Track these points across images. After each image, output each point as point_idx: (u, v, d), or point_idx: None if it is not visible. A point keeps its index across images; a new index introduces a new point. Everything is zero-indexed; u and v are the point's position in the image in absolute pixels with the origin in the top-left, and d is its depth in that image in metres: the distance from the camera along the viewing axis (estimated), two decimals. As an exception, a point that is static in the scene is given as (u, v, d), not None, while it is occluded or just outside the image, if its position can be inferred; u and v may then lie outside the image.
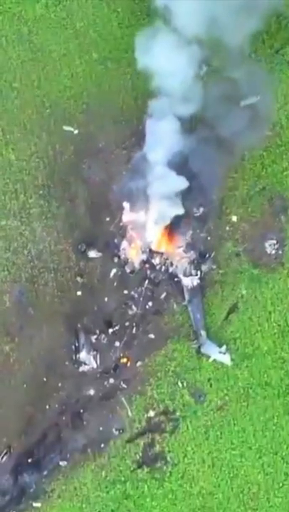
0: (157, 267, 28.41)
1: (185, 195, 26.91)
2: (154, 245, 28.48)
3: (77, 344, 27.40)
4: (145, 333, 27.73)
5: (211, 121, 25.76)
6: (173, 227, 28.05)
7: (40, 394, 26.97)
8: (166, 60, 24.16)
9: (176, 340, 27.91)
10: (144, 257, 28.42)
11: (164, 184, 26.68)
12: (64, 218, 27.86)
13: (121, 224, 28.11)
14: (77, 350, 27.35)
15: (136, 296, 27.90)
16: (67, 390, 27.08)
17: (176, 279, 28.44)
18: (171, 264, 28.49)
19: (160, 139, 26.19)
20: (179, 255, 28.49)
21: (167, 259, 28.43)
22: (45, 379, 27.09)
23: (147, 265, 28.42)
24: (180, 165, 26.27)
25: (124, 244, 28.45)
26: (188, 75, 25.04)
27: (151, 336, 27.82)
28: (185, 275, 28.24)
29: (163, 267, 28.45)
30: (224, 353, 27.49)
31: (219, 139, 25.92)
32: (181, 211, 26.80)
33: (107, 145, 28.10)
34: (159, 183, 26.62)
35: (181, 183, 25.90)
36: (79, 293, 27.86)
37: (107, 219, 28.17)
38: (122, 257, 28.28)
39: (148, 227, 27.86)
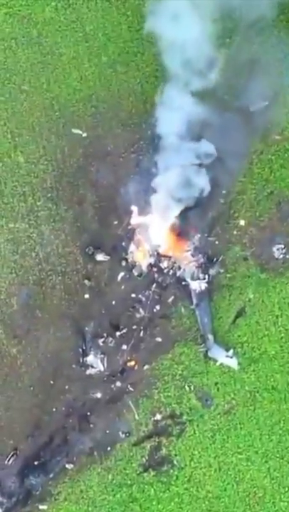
0: (165, 271, 28.07)
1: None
2: (161, 249, 28.16)
3: (84, 347, 27.03)
4: (152, 337, 27.52)
5: (229, 92, 25.78)
6: (181, 231, 27.95)
7: (47, 396, 26.77)
8: (182, 28, 23.88)
9: (183, 343, 27.71)
10: (151, 260, 28.07)
11: (178, 155, 26.43)
12: (72, 221, 27.67)
13: (129, 227, 27.86)
14: (85, 353, 27.06)
15: (143, 299, 27.64)
16: (74, 392, 26.84)
17: (183, 283, 28.16)
18: (179, 268, 28.17)
19: (172, 108, 25.87)
20: (186, 259, 28.21)
21: (175, 262, 28.12)
22: (52, 382, 26.82)
23: (155, 269, 28.09)
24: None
25: (132, 247, 28.14)
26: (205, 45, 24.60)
27: (159, 339, 27.53)
28: (193, 279, 28.05)
29: (171, 271, 28.13)
30: (231, 357, 27.29)
31: (239, 109, 25.88)
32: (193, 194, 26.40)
33: (115, 148, 27.86)
34: (171, 155, 26.33)
35: (206, 146, 25.47)
36: (86, 296, 27.52)
37: (115, 222, 27.94)
38: (130, 260, 28.00)
39: (154, 229, 27.69)
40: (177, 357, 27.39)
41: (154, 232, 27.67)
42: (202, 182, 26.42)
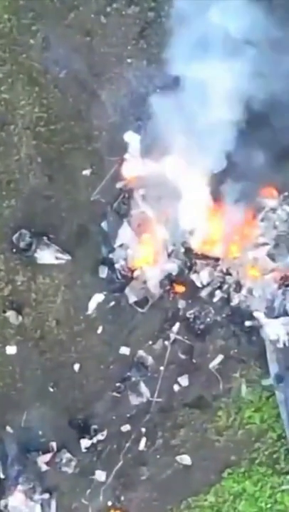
0: (204, 293, 16.84)
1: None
2: (197, 239, 17.03)
3: (1, 475, 16.24)
4: (169, 453, 16.41)
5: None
6: (245, 193, 16.96)
7: None
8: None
9: (244, 471, 16.23)
10: (171, 267, 16.93)
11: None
12: None
13: (118, 186, 17.05)
14: (2, 490, 16.30)
15: (149, 361, 16.55)
16: None
17: (247, 324, 16.86)
18: (239, 288, 16.91)
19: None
20: (257, 266, 16.88)
21: (229, 273, 16.94)
22: None
23: (179, 288, 17.04)
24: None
25: (126, 234, 17.10)
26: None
27: (184, 459, 16.22)
28: (271, 315, 16.66)
29: (218, 294, 16.90)
30: None
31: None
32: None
33: None
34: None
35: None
36: (11, 350, 16.70)
37: (85, 172, 17.15)
38: (119, 265, 17.04)
39: (188, 192, 17.08)
40: (228, 504, 16.40)
41: (182, 198, 16.99)
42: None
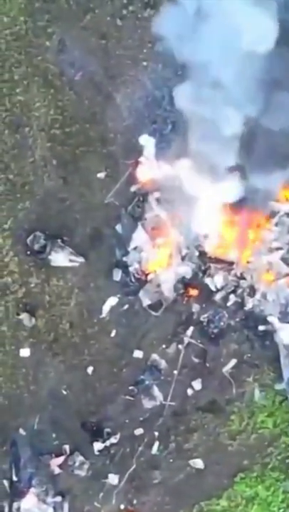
0: (218, 297, 16.81)
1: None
2: (211, 243, 17.07)
3: (14, 477, 16.17)
4: (181, 457, 16.36)
5: None
6: (259, 198, 16.69)
7: None
8: None
9: (256, 476, 16.17)
10: (185, 270, 16.88)
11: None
12: None
13: (133, 189, 16.96)
14: (15, 492, 16.19)
15: (162, 364, 16.47)
16: None
17: (261, 328, 16.84)
18: (253, 292, 16.87)
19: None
20: (271, 270, 16.93)
21: (243, 278, 16.98)
22: None
23: (193, 291, 16.99)
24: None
25: (140, 237, 17.06)
26: None
27: (197, 463, 16.12)
28: (285, 319, 16.71)
29: (232, 298, 16.91)
30: None
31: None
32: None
33: None
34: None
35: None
36: (24, 352, 16.55)
37: (99, 175, 17.08)
38: (133, 268, 16.96)
39: (195, 195, 16.89)
40: (240, 508, 16.27)
41: (197, 202, 16.81)
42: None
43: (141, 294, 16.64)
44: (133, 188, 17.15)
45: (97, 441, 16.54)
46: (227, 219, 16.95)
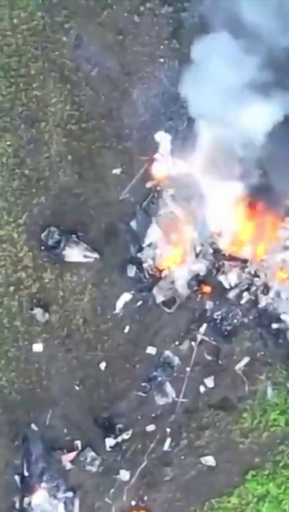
0: (231, 295, 17.12)
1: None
2: (225, 240, 17.50)
3: (26, 472, 16.42)
4: (193, 454, 16.60)
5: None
6: (272, 198, 17.22)
7: None
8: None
9: (268, 474, 16.41)
10: (199, 267, 17.13)
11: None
12: (10, 164, 17.51)
13: (148, 185, 17.31)
14: (26, 488, 16.20)
15: (176, 361, 16.64)
16: None
17: (274, 326, 17.16)
18: (266, 290, 17.16)
19: None
20: (285, 268, 17.29)
21: (256, 276, 17.25)
22: None
23: (207, 288, 17.33)
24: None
25: (154, 234, 17.41)
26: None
27: (208, 460, 16.29)
28: None
29: (245, 296, 17.23)
30: None
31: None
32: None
33: None
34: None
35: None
36: (37, 347, 16.81)
37: (115, 171, 17.41)
38: (147, 265, 17.21)
39: (216, 193, 17.40)
40: (251, 505, 16.38)
41: (211, 199, 17.49)
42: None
43: (155, 290, 16.86)
44: (148, 185, 17.32)
45: (109, 437, 16.71)
46: (242, 217, 17.14)
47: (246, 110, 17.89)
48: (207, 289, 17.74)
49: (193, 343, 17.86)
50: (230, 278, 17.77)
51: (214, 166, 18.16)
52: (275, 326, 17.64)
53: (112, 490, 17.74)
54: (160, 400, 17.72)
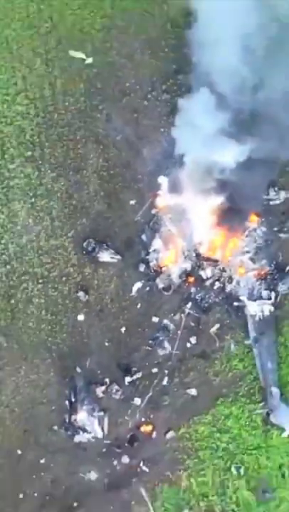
0: (207, 283, 22.04)
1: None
2: (204, 247, 22.34)
3: (73, 398, 20.91)
4: (182, 387, 21.36)
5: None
6: (236, 220, 22.00)
7: (14, 475, 21.59)
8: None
9: (230, 400, 21.58)
10: (187, 265, 22.06)
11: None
12: (63, 197, 22.48)
13: (153, 211, 22.32)
14: (73, 409, 21.11)
15: (171, 327, 21.66)
16: (54, 471, 21.48)
17: (235, 304, 22.14)
18: (230, 280, 22.07)
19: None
20: (243, 266, 22.18)
21: (224, 271, 22.06)
22: (20, 452, 21.25)
23: (191, 279, 22.20)
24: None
25: (157, 243, 22.30)
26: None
27: (192, 391, 21.17)
28: (251, 298, 22.01)
29: (216, 284, 22.06)
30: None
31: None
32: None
33: (137, 84, 23.21)
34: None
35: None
36: (80, 317, 21.55)
37: (132, 202, 22.31)
38: (153, 263, 22.12)
39: (194, 216, 22.15)
40: (220, 421, 21.10)
41: (194, 220, 21.84)
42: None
43: (157, 280, 21.75)
44: (153, 211, 22.07)
45: (127, 376, 21.40)
46: (215, 232, 22.00)
47: (220, 150, 21.30)
48: (192, 279, 21.99)
49: (182, 315, 21.83)
50: (207, 272, 22.18)
51: (195, 183, 22.21)
52: (236, 304, 22.02)
53: (129, 411, 21.67)
54: (161, 352, 21.70)
